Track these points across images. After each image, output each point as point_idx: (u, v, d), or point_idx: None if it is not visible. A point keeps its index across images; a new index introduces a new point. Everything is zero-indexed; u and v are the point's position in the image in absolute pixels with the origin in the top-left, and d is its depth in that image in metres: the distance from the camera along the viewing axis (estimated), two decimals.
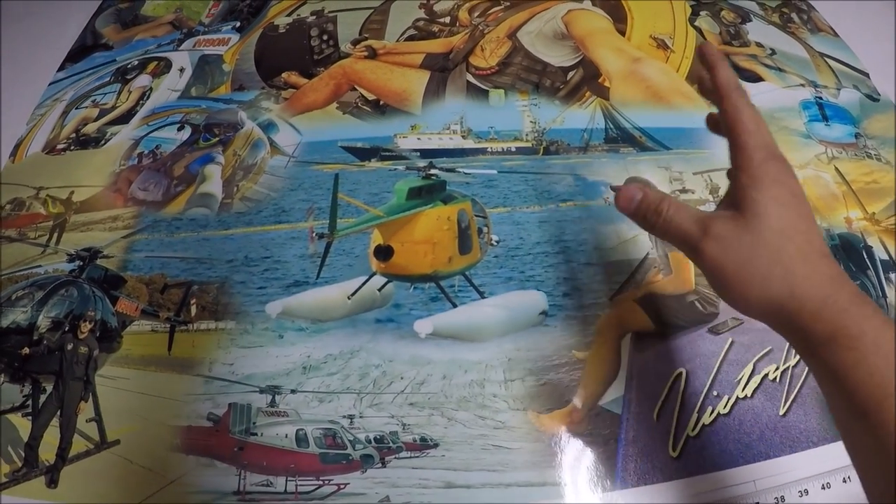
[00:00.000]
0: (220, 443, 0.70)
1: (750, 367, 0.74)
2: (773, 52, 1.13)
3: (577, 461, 0.68)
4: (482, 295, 0.82)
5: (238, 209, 0.92)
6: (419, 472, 0.68)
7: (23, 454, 0.70)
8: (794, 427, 0.70)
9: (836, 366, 0.44)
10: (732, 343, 0.76)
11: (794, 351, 0.75)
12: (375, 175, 0.96)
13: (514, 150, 1.02)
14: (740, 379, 0.73)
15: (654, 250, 0.85)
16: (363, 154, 0.99)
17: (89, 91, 1.11)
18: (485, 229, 0.87)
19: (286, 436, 0.71)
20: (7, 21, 1.23)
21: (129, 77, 1.13)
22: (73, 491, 0.68)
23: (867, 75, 1.10)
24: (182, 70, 1.12)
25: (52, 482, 0.69)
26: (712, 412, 0.70)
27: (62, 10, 1.26)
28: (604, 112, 1.04)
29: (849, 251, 0.86)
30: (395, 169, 0.95)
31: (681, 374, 0.73)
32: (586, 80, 1.09)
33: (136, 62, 1.16)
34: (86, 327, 0.76)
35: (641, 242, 0.86)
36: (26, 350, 0.73)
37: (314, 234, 0.82)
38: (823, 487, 0.66)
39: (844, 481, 0.67)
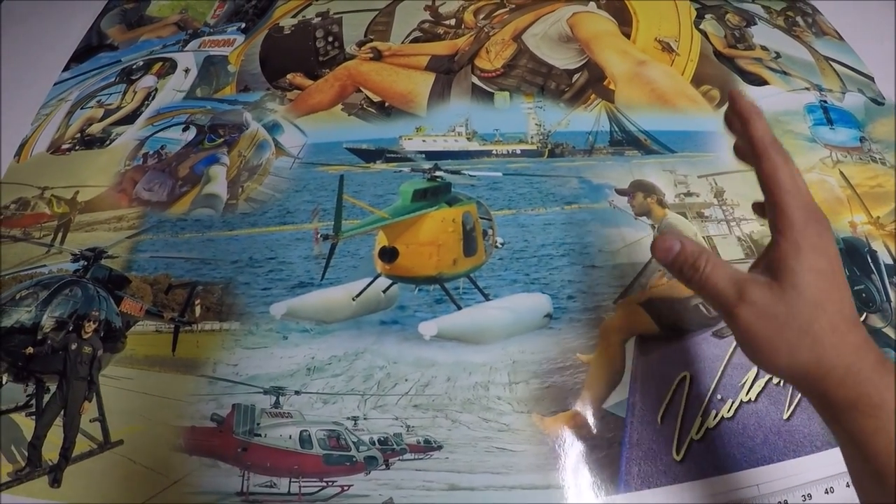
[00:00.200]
0: (223, 443, 0.70)
1: (754, 371, 0.74)
2: (778, 55, 1.13)
3: (580, 464, 0.68)
4: (487, 297, 0.82)
5: (243, 210, 0.92)
6: (423, 474, 0.68)
7: (26, 453, 0.70)
8: (798, 431, 0.70)
9: (857, 432, 0.45)
10: (737, 346, 0.76)
11: None
12: (380, 177, 0.96)
13: (519, 152, 1.02)
14: (744, 383, 0.73)
15: None
16: (368, 156, 0.99)
17: (94, 91, 1.11)
18: (490, 231, 0.87)
19: (290, 437, 0.71)
20: (12, 21, 1.24)
21: (134, 77, 1.13)
22: (77, 491, 0.68)
23: (872, 79, 1.10)
24: (187, 71, 1.13)
25: (56, 482, 0.69)
26: (716, 416, 0.70)
27: (67, 11, 1.26)
28: (609, 115, 1.04)
29: (853, 255, 0.85)
30: (400, 171, 0.95)
31: (685, 377, 0.73)
32: (591, 82, 1.09)
33: (142, 63, 1.16)
34: (90, 327, 0.76)
35: (646, 246, 0.86)
36: (30, 349, 0.73)
37: (319, 236, 0.82)
38: (827, 492, 0.66)
39: (848, 486, 0.65)
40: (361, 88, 1.09)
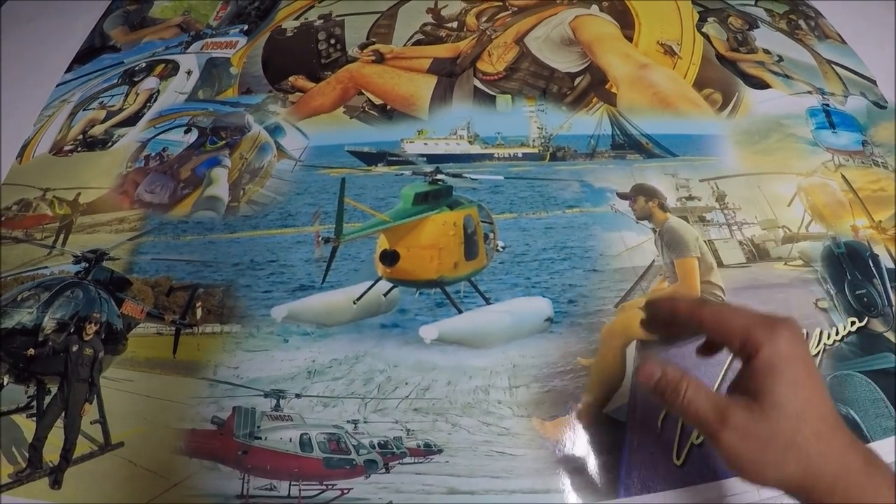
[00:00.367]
0: (224, 446, 0.70)
1: None
2: (781, 58, 1.13)
3: (580, 469, 0.68)
4: (488, 301, 0.82)
5: (244, 212, 0.93)
6: (423, 478, 0.68)
7: (27, 455, 0.70)
8: None
9: None
10: None
11: None
12: (382, 180, 0.96)
13: (520, 155, 1.02)
14: None
15: (659, 258, 0.85)
16: (370, 159, 0.99)
17: (97, 93, 1.11)
18: (491, 235, 0.87)
19: (290, 440, 0.71)
20: (15, 22, 1.24)
21: (136, 79, 1.13)
22: (77, 492, 0.68)
23: (874, 82, 1.10)
24: (189, 73, 1.13)
25: (56, 483, 0.69)
26: None
27: (70, 12, 1.26)
28: (611, 118, 1.04)
29: (855, 259, 0.85)
30: (402, 174, 0.95)
31: None
32: (593, 85, 1.09)
33: (144, 64, 1.16)
34: (91, 329, 0.76)
35: (647, 249, 0.86)
36: (32, 351, 0.73)
37: (320, 239, 0.82)
38: None
39: None
40: (363, 91, 1.09)
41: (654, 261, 0.84)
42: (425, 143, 1.01)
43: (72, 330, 0.76)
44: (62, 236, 0.91)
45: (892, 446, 0.69)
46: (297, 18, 1.22)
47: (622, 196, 0.91)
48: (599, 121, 1.03)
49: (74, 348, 0.75)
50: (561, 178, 0.96)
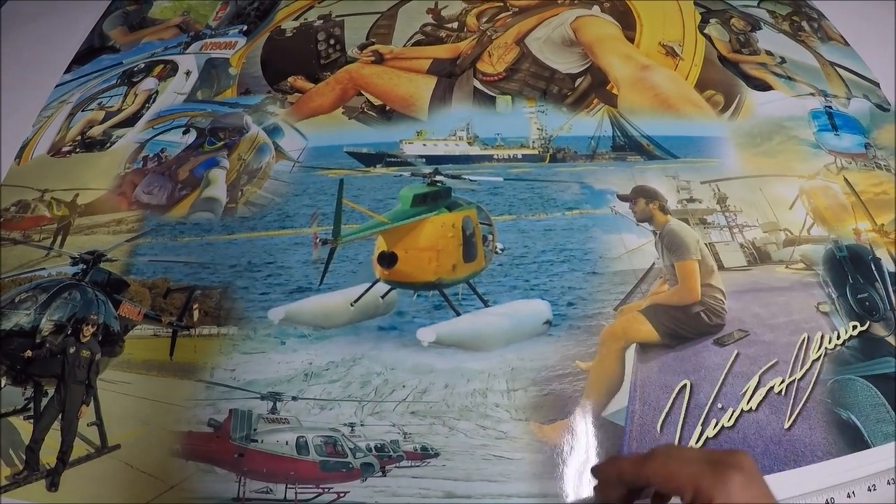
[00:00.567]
0: (220, 449, 0.70)
1: (755, 380, 0.73)
2: (783, 60, 1.13)
3: (579, 473, 0.67)
4: (486, 303, 0.82)
5: (242, 214, 0.92)
6: (419, 482, 0.68)
7: (24, 457, 0.70)
8: (800, 441, 0.69)
9: None
10: (738, 355, 0.75)
11: (799, 363, 0.74)
12: (380, 181, 0.95)
13: (520, 157, 1.01)
14: (745, 391, 0.72)
15: (660, 260, 0.84)
16: (368, 160, 0.99)
17: (96, 93, 1.11)
18: (490, 237, 0.87)
19: (287, 443, 0.70)
20: (14, 22, 1.24)
21: (135, 80, 1.13)
22: (74, 495, 0.68)
23: (878, 85, 1.09)
24: (188, 73, 1.12)
25: (53, 485, 0.69)
26: (716, 425, 0.70)
27: (70, 12, 1.26)
28: (611, 119, 1.04)
29: (857, 263, 0.85)
30: (401, 175, 0.94)
31: (685, 385, 0.73)
32: (594, 87, 1.08)
33: (143, 65, 1.16)
34: (88, 331, 0.76)
35: (647, 252, 0.85)
36: (29, 353, 0.73)
37: (318, 240, 0.82)
38: (828, 502, 0.66)
39: (849, 496, 0.66)
40: (363, 92, 1.09)
41: (654, 263, 0.84)
42: (424, 144, 1.01)
43: (69, 332, 0.76)
44: (60, 238, 0.91)
45: (893, 451, 0.69)
46: (296, 19, 1.21)
47: (622, 198, 0.91)
48: (600, 122, 1.03)
49: (72, 350, 0.74)
50: (561, 179, 0.96)
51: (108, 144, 1.03)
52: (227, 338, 0.79)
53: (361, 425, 0.71)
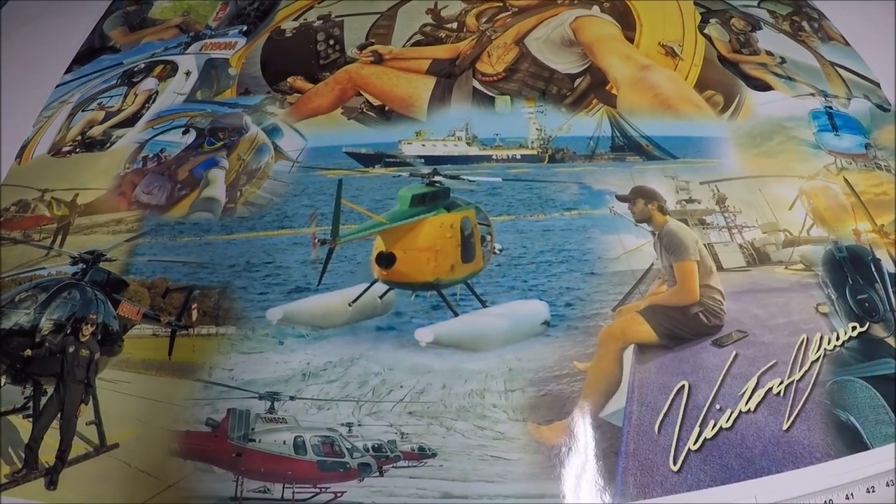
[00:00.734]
0: (218, 448, 0.70)
1: (754, 381, 0.73)
2: (783, 60, 1.12)
3: (576, 474, 0.67)
4: (484, 304, 0.82)
5: (241, 214, 0.93)
6: (417, 482, 0.68)
7: (23, 455, 0.70)
8: (798, 442, 0.69)
9: None
10: (736, 356, 0.75)
11: (798, 364, 0.74)
12: (379, 181, 0.95)
13: (519, 157, 1.01)
14: (743, 392, 0.72)
15: (658, 261, 0.84)
16: (367, 160, 0.99)
17: (96, 94, 1.12)
18: (488, 237, 0.87)
19: (284, 442, 0.71)
20: (15, 23, 1.24)
21: (135, 80, 1.13)
22: (72, 493, 0.68)
23: (878, 85, 1.09)
24: (188, 73, 1.13)
25: (52, 484, 0.69)
26: (714, 426, 0.69)
27: (70, 13, 1.27)
28: (611, 120, 1.03)
29: (857, 264, 0.84)
30: (399, 175, 0.94)
31: (683, 386, 0.72)
32: (593, 87, 1.08)
33: (143, 65, 1.16)
34: (87, 330, 0.76)
35: (646, 253, 0.85)
36: (28, 352, 0.74)
37: (316, 240, 0.82)
38: None
39: (847, 498, 0.66)
40: (362, 92, 1.09)
41: (652, 264, 0.84)
42: (423, 145, 1.01)
43: (68, 331, 0.76)
44: (60, 237, 0.91)
45: (892, 453, 0.68)
46: (296, 19, 1.22)
47: (621, 198, 0.90)
48: (599, 122, 1.03)
49: (71, 349, 0.75)
50: (559, 179, 0.96)
51: (108, 144, 1.03)
52: (225, 337, 0.79)
53: (359, 425, 0.71)
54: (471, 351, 0.77)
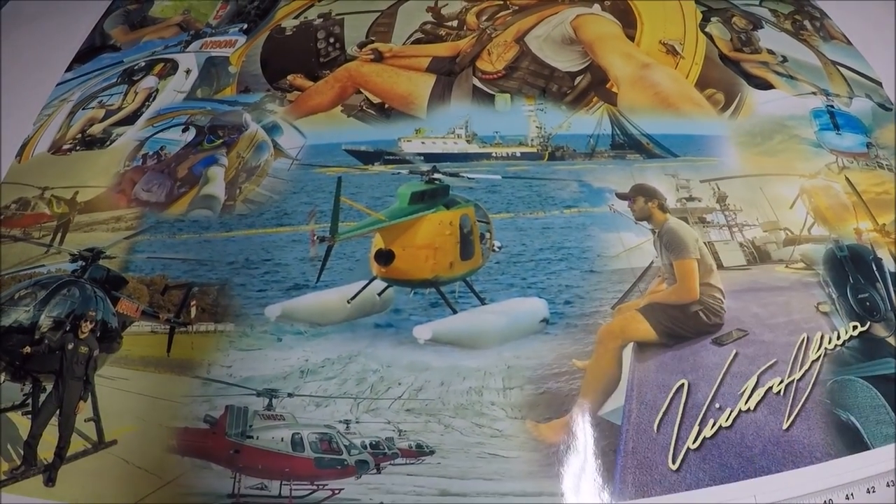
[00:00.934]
0: (216, 445, 0.71)
1: (754, 380, 0.73)
2: (785, 59, 1.12)
3: (575, 472, 0.67)
4: (483, 301, 0.82)
5: (240, 211, 0.93)
6: (414, 479, 0.67)
7: (22, 452, 0.70)
8: (798, 442, 0.68)
9: None
10: (736, 354, 0.75)
11: (798, 363, 0.74)
12: (378, 179, 0.95)
13: (518, 155, 1.01)
14: (743, 391, 0.72)
15: (658, 259, 0.84)
16: (367, 157, 0.99)
17: (96, 92, 1.12)
18: (487, 235, 0.87)
19: (282, 439, 0.71)
20: (16, 21, 1.25)
21: (135, 78, 1.14)
22: (71, 490, 0.68)
23: (880, 84, 1.08)
24: (188, 72, 1.13)
25: (50, 481, 0.69)
26: (714, 425, 0.69)
27: (71, 12, 1.27)
28: (611, 118, 1.03)
29: (858, 263, 0.84)
30: (399, 173, 0.94)
31: (683, 385, 0.72)
32: (594, 85, 1.08)
33: (143, 63, 1.16)
34: (86, 327, 0.76)
35: (646, 251, 0.85)
36: (28, 349, 0.74)
37: (315, 238, 0.82)
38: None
39: (847, 498, 0.65)
40: (362, 90, 1.09)
41: (652, 262, 0.84)
42: (423, 142, 1.01)
43: (68, 328, 0.76)
44: (59, 235, 0.91)
45: (893, 453, 0.68)
46: (296, 17, 1.22)
47: (621, 196, 0.90)
48: (599, 120, 1.03)
49: (70, 346, 0.75)
50: (559, 177, 0.96)
51: (108, 142, 1.03)
52: (223, 334, 0.79)
53: (357, 422, 0.71)
54: (469, 348, 0.76)
